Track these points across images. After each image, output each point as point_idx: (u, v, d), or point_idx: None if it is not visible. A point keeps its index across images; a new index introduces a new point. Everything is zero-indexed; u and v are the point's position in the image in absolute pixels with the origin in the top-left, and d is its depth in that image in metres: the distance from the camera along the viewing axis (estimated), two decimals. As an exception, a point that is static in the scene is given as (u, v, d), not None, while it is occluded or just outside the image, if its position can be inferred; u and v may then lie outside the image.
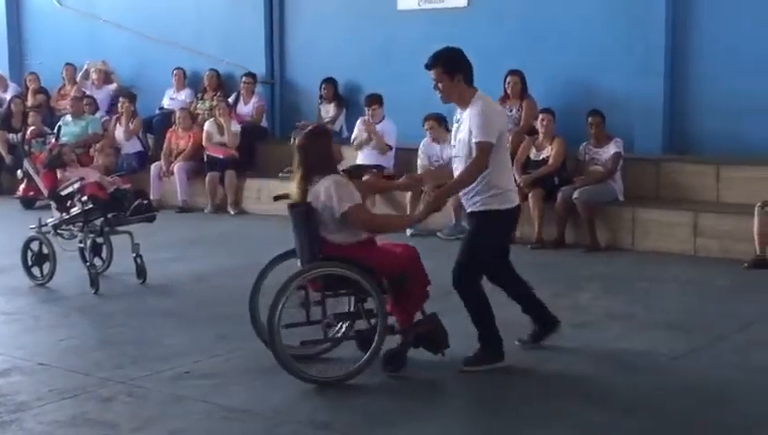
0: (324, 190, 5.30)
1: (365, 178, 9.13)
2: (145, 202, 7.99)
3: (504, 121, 5.79)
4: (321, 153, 5.43)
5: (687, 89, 10.24)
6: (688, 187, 9.66)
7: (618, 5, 10.46)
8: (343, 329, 5.72)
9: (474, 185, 5.54)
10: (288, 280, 5.23)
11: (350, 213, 5.29)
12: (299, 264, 5.46)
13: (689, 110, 10.25)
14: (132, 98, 13.23)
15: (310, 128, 5.98)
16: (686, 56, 10.19)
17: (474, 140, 5.45)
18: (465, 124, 5.55)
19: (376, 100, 11.18)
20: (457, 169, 5.65)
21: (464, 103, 5.60)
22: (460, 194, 5.76)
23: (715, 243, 8.74)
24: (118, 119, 13.17)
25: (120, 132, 13.03)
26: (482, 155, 5.42)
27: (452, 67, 5.56)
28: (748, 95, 9.74)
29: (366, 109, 11.23)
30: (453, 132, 5.74)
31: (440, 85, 5.59)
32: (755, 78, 9.72)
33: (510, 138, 10.08)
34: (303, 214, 5.34)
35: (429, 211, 5.64)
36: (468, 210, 5.73)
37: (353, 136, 11.30)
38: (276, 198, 6.05)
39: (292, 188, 5.51)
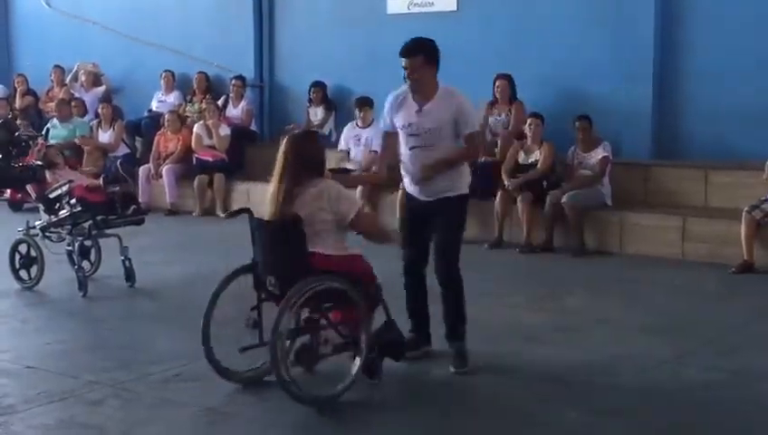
0: (321, 194, 5.03)
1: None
2: (134, 207, 7.98)
3: None
4: (311, 157, 5.22)
5: (676, 93, 10.27)
6: (676, 191, 9.70)
7: (606, 10, 10.48)
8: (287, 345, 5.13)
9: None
10: (286, 300, 4.88)
11: (358, 218, 5.11)
12: (271, 281, 5.13)
13: (677, 114, 10.28)
14: (109, 101, 13.21)
15: (295, 131, 5.80)
16: (675, 61, 10.22)
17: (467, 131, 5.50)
18: (435, 114, 5.51)
19: (366, 103, 11.17)
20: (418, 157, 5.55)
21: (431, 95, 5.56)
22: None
23: (703, 247, 8.77)
24: (99, 123, 13.12)
25: (101, 136, 12.97)
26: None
27: (434, 58, 5.57)
28: (736, 100, 9.78)
29: (356, 112, 11.24)
30: (410, 121, 5.61)
31: (416, 75, 5.55)
32: (744, 83, 9.75)
33: (499, 142, 10.22)
34: (291, 225, 4.97)
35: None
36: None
37: (339, 148, 11.32)
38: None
39: (270, 198, 5.22)
